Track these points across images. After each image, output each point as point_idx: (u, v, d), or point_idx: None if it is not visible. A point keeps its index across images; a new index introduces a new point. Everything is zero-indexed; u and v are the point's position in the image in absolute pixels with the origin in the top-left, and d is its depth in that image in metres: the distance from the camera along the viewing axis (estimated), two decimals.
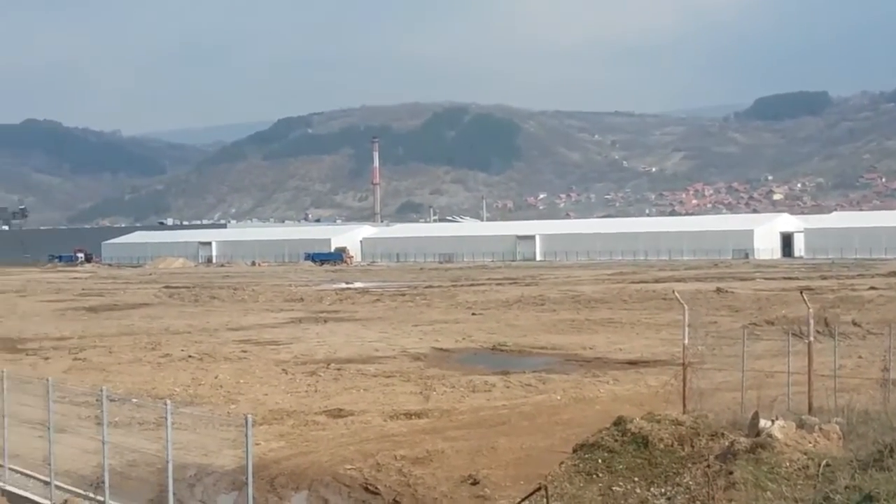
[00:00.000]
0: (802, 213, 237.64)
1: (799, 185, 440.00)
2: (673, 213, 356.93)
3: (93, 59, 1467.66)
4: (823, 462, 13.86)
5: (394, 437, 22.80)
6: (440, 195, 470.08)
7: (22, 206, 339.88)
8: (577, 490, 14.62)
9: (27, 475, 18.77)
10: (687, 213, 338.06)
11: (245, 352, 39.17)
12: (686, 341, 20.04)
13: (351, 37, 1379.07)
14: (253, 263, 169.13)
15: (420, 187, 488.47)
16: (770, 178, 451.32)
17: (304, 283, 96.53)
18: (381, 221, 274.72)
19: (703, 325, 33.95)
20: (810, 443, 14.58)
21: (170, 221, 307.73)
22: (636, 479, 14.57)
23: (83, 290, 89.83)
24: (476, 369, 33.43)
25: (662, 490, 14.17)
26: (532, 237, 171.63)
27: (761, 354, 27.06)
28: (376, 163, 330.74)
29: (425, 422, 24.65)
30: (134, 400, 24.29)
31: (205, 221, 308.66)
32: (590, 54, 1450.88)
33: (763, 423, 15.02)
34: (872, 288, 64.62)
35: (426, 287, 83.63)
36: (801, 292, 24.65)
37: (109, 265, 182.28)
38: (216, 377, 32.27)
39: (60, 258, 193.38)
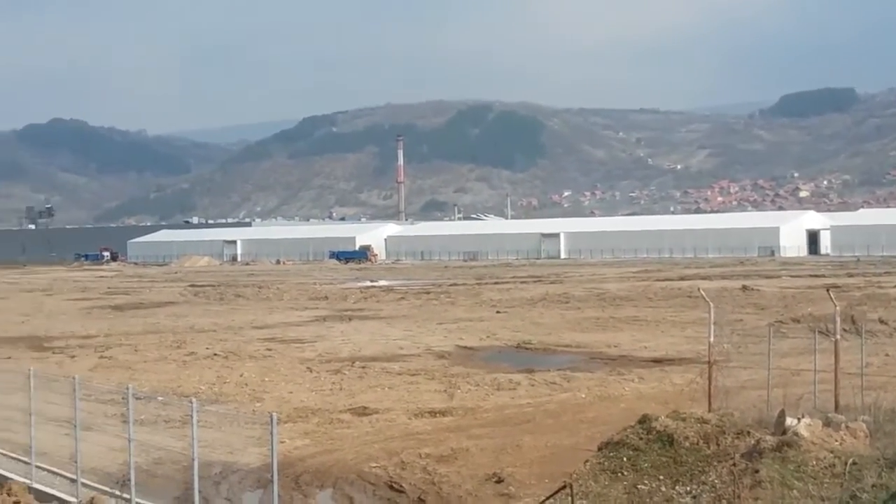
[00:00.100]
0: (829, 210, 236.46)
1: (825, 182, 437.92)
2: (698, 211, 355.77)
3: (119, 58, 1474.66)
4: (850, 460, 13.78)
5: (418, 435, 22.79)
6: (464, 193, 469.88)
7: (48, 206, 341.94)
8: (602, 488, 14.57)
9: (54, 473, 18.84)
10: (712, 211, 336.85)
11: (270, 350, 39.24)
12: (712, 339, 19.94)
13: (375, 35, 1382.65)
14: (277, 262, 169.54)
15: (444, 185, 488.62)
16: (796, 175, 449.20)
17: (328, 282, 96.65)
18: (406, 219, 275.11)
19: (728, 322, 33.88)
20: (837, 441, 14.49)
21: (195, 220, 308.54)
22: (661, 477, 14.52)
23: (109, 288, 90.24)
24: (501, 367, 33.40)
25: (688, 488, 14.10)
26: (557, 235, 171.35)
27: (787, 352, 26.97)
28: (401, 161, 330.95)
29: (450, 420, 24.63)
30: (160, 398, 24.37)
31: (230, 220, 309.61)
32: (614, 52, 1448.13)
33: (789, 421, 14.94)
34: None
35: (451, 285, 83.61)
36: (828, 290, 24.53)
37: (135, 264, 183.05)
38: (241, 375, 32.33)
39: (86, 257, 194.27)
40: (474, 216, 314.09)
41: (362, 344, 41.02)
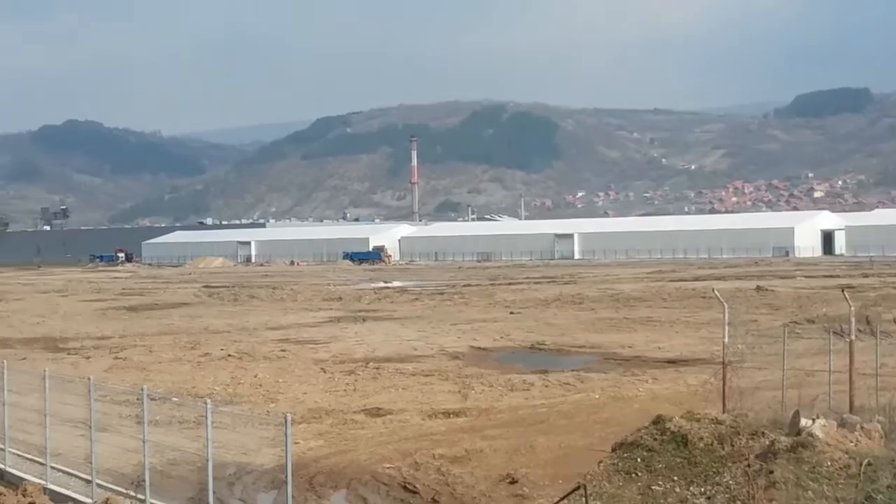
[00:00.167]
0: (843, 210, 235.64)
1: (840, 182, 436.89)
2: (712, 211, 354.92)
3: (133, 60, 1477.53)
4: (865, 461, 13.75)
5: (432, 435, 22.80)
6: (478, 194, 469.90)
7: (63, 207, 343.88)
8: (617, 489, 14.57)
9: (69, 473, 18.90)
10: (726, 211, 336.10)
11: (284, 351, 39.30)
12: (726, 340, 19.91)
13: (389, 36, 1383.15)
14: (291, 263, 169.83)
15: (458, 186, 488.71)
16: (811, 175, 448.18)
17: (342, 283, 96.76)
18: (420, 220, 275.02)
19: (743, 323, 33.84)
20: (852, 442, 14.46)
21: (209, 221, 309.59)
22: (676, 478, 14.50)
23: (124, 289, 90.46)
24: (514, 368, 33.39)
25: (702, 489, 14.09)
26: (570, 236, 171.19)
27: (802, 353, 26.92)
28: (414, 162, 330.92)
29: (464, 420, 24.63)
30: (174, 399, 24.42)
31: (244, 221, 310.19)
32: (628, 52, 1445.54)
33: (804, 422, 14.91)
34: None
35: (464, 286, 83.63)
36: (843, 290, 24.51)
37: (150, 265, 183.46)
38: (255, 376, 32.38)
39: (101, 258, 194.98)
40: (488, 217, 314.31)
41: (376, 345, 41.05)
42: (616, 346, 39.48)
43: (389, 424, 24.27)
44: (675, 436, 15.33)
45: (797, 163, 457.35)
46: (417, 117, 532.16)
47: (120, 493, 16.86)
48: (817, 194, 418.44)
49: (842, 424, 15.07)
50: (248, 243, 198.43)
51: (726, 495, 13.74)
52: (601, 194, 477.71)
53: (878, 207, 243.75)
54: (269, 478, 18.97)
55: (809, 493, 13.27)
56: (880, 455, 14.06)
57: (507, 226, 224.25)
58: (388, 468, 19.74)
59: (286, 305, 66.81)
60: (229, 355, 37.97)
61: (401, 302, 67.35)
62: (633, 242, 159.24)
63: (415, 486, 18.62)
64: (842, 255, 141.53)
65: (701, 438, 15.13)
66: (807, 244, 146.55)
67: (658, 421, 15.93)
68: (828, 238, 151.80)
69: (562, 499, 14.68)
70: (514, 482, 18.49)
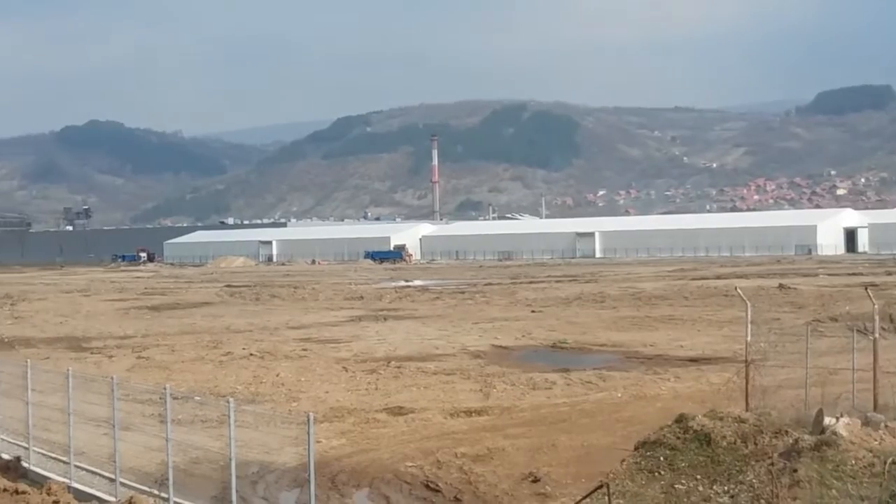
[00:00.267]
0: (866, 208, 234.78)
1: (863, 179, 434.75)
2: (734, 210, 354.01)
3: (154, 60, 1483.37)
4: (889, 460, 13.67)
5: (454, 434, 22.80)
6: (499, 193, 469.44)
7: (86, 207, 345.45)
8: (639, 488, 14.53)
9: (93, 472, 18.97)
10: (748, 209, 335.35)
11: (306, 350, 39.35)
12: (749, 338, 19.82)
13: (410, 35, 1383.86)
14: (313, 262, 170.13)
15: (479, 185, 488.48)
16: (833, 173, 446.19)
17: (363, 282, 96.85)
18: (441, 219, 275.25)
19: (765, 321, 33.65)
20: (876, 440, 14.38)
21: (230, 221, 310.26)
22: (699, 476, 14.45)
23: (146, 289, 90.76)
24: (536, 367, 33.35)
25: (725, 488, 14.04)
26: (591, 234, 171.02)
27: (825, 351, 26.79)
28: (435, 161, 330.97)
29: (486, 419, 24.62)
30: (197, 398, 24.48)
31: (265, 220, 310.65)
32: (649, 50, 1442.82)
33: (828, 420, 14.84)
34: None
35: (485, 284, 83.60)
36: (866, 288, 24.31)
37: (171, 264, 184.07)
38: (277, 375, 32.44)
39: (123, 258, 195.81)
40: (509, 216, 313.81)
41: (398, 344, 41.08)
42: (638, 344, 39.40)
43: (411, 423, 24.28)
44: (697, 434, 15.28)
45: (819, 160, 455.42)
46: (438, 116, 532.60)
47: (144, 492, 16.92)
48: (840, 192, 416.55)
49: (866, 423, 14.99)
50: (270, 243, 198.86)
51: (750, 494, 13.68)
52: (622, 193, 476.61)
53: None
54: (291, 476, 19.00)
55: (833, 491, 13.21)
56: None
57: (528, 224, 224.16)
58: (410, 467, 19.75)
59: (307, 305, 66.90)
60: (251, 354, 38.04)
61: (422, 301, 67.37)
62: (654, 241, 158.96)
63: (437, 485, 18.62)
64: (865, 253, 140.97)
65: (724, 437, 15.08)
66: (829, 242, 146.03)
67: (681, 419, 15.88)
68: (850, 236, 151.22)
69: (584, 497, 14.65)
70: (536, 481, 18.48)
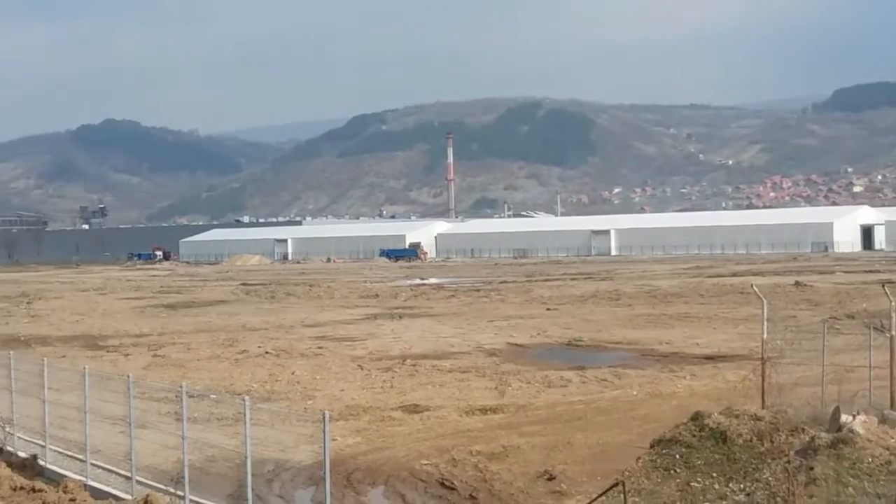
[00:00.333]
0: (883, 205, 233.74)
1: (879, 176, 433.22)
2: (750, 207, 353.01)
3: (170, 59, 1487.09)
4: None
5: (470, 432, 22.79)
6: (514, 190, 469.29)
7: (102, 206, 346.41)
8: (655, 486, 14.50)
9: (109, 470, 19.00)
10: (764, 207, 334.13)
11: (321, 348, 39.37)
12: (765, 335, 19.75)
13: (424, 33, 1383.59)
14: (328, 260, 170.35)
15: (494, 183, 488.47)
16: (850, 170, 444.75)
17: (378, 280, 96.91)
18: (456, 217, 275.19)
19: (781, 319, 33.56)
20: (893, 438, 14.34)
21: (246, 219, 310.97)
22: (714, 474, 14.42)
23: (162, 287, 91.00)
24: (551, 364, 33.31)
25: (741, 486, 14.01)
26: (607, 232, 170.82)
27: (842, 349, 26.66)
28: (450, 159, 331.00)
29: (501, 417, 24.61)
30: (212, 396, 24.53)
31: (280, 219, 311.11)
32: (664, 47, 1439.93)
33: (844, 418, 14.80)
34: None
35: (501, 282, 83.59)
36: (883, 285, 24.18)
37: (187, 263, 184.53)
38: (293, 373, 32.46)
39: (139, 256, 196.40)
40: (524, 213, 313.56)
41: (413, 342, 41.08)
42: (653, 342, 39.33)
43: (427, 421, 24.28)
44: (713, 432, 15.25)
45: (836, 157, 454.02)
46: (453, 114, 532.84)
47: (159, 490, 16.95)
48: (856, 189, 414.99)
49: (883, 420, 14.96)
50: (285, 241, 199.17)
51: (766, 492, 13.65)
52: (638, 190, 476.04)
53: None
54: (307, 474, 19.02)
55: (850, 489, 13.18)
56: None
57: (543, 222, 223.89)
58: (425, 465, 19.74)
59: (323, 303, 66.97)
60: (267, 353, 38.08)
61: (437, 299, 67.38)
62: (670, 238, 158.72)
63: (452, 483, 18.61)
64: (881, 250, 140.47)
65: (740, 435, 15.04)
66: (846, 239, 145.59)
67: (696, 417, 15.85)
68: (867, 233, 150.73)
69: (600, 495, 14.63)
70: (551, 479, 18.45)
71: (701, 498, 13.97)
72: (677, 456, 15.05)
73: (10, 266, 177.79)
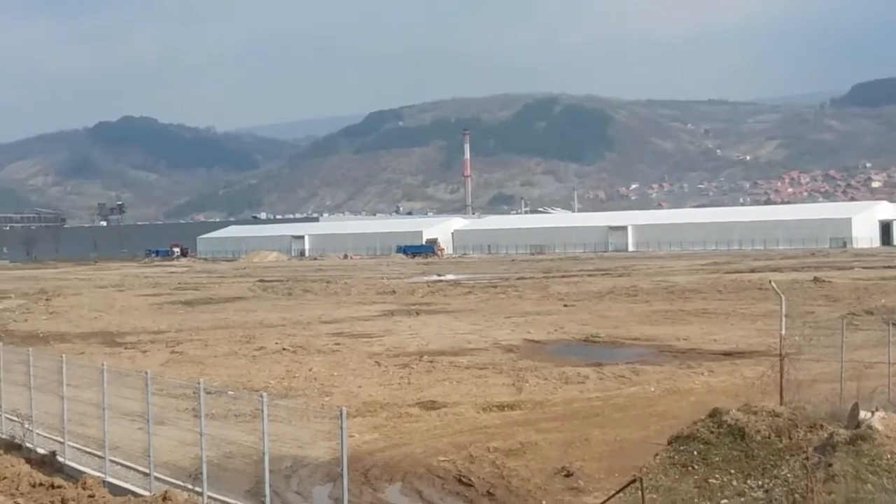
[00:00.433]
0: None
1: None
2: (768, 202, 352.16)
3: (187, 56, 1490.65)
4: None
5: (487, 428, 22.79)
6: (531, 187, 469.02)
7: (119, 202, 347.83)
8: (673, 482, 14.48)
9: (127, 466, 19.06)
10: (782, 202, 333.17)
11: (338, 344, 39.41)
12: (783, 332, 19.70)
13: (441, 29, 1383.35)
14: (345, 256, 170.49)
15: (511, 179, 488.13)
16: (868, 165, 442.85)
17: (396, 276, 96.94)
18: (473, 213, 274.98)
19: (800, 315, 33.42)
20: None
21: (263, 216, 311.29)
22: (732, 471, 14.40)
23: (179, 284, 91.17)
24: (569, 361, 33.28)
25: (760, 482, 13.98)
26: (624, 228, 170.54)
27: (860, 345, 26.55)
28: (467, 155, 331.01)
29: (518, 414, 24.60)
30: (230, 392, 24.58)
31: (297, 215, 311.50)
32: (681, 42, 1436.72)
33: (863, 414, 14.74)
34: None
35: (518, 279, 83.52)
36: None
37: (205, 259, 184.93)
38: (310, 370, 32.50)
39: (157, 253, 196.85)
40: (541, 209, 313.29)
41: (430, 338, 41.08)
42: (671, 338, 39.24)
43: (444, 417, 24.29)
44: (731, 429, 15.22)
45: (854, 152, 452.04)
46: (470, 110, 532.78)
47: (178, 486, 16.98)
48: (875, 184, 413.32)
49: None
50: (302, 237, 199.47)
51: (784, 488, 13.61)
52: (655, 186, 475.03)
53: None
54: (324, 471, 19.03)
55: (869, 485, 13.13)
56: None
57: (560, 218, 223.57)
58: (442, 461, 19.75)
59: (340, 299, 67.01)
60: (284, 349, 38.13)
61: (454, 295, 67.35)
62: (687, 234, 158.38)
63: (470, 479, 18.62)
64: None
65: (758, 431, 15.00)
66: (864, 235, 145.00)
67: (714, 414, 15.82)
68: (886, 228, 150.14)
69: (618, 492, 14.62)
70: (569, 475, 18.45)
71: (719, 494, 13.95)
72: (695, 452, 15.02)
73: (28, 263, 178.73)
